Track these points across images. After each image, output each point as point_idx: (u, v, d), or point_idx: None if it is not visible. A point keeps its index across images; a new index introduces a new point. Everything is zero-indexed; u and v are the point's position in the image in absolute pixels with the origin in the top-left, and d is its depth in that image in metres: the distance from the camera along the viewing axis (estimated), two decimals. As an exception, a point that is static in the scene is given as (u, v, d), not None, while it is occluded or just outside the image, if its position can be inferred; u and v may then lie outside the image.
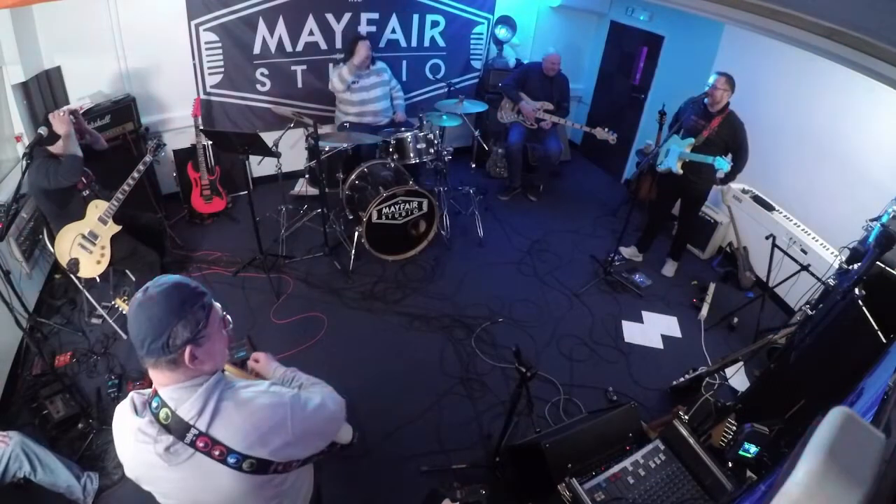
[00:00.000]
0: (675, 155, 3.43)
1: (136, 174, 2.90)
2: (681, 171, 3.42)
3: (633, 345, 3.27)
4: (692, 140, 3.35)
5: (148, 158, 2.96)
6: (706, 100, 3.25)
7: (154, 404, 1.02)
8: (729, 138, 3.26)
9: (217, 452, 1.00)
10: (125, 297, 1.77)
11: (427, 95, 5.11)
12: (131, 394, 1.07)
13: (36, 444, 2.02)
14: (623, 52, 5.27)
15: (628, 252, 4.10)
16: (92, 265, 2.78)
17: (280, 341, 3.00)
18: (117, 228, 2.84)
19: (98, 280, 3.00)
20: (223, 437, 1.01)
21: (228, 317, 1.12)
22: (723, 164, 3.13)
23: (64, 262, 2.70)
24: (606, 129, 4.14)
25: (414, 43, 4.80)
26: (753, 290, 3.81)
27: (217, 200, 4.06)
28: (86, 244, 2.75)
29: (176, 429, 0.99)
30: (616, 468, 1.93)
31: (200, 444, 1.00)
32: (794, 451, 0.87)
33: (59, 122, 2.53)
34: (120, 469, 2.22)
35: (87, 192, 2.78)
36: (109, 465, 2.25)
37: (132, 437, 1.02)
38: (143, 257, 2.96)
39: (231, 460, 1.01)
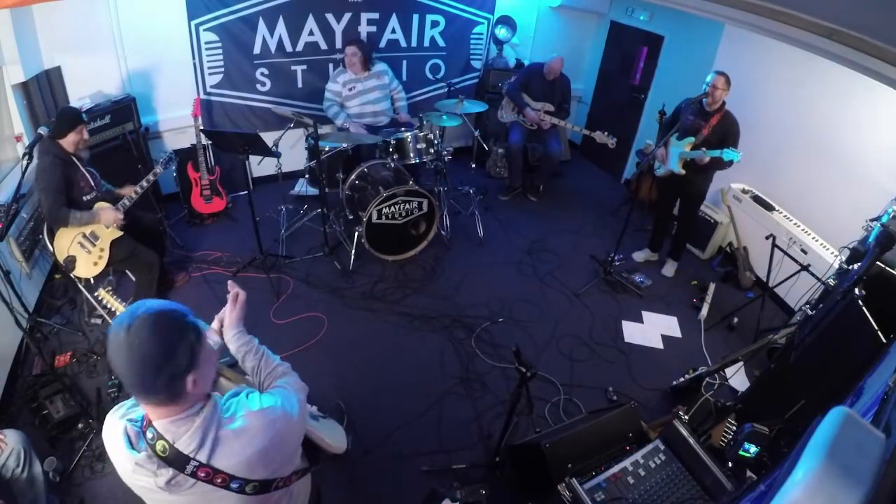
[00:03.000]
0: (675, 156, 3.43)
1: (144, 183, 2.92)
2: (683, 172, 3.42)
3: (633, 345, 3.27)
4: (692, 139, 3.35)
5: (159, 170, 2.98)
6: (705, 99, 3.25)
7: (149, 436, 0.99)
8: (723, 134, 3.25)
9: (219, 480, 1.00)
10: (109, 289, 1.76)
11: (427, 95, 5.11)
12: (122, 424, 1.03)
13: (33, 450, 2.01)
14: (623, 52, 5.27)
15: (642, 255, 4.10)
16: (89, 265, 2.78)
17: (280, 341, 3.00)
18: (119, 234, 2.85)
19: (92, 281, 2.98)
20: (225, 467, 1.00)
21: (212, 335, 1.11)
22: (733, 155, 3.10)
23: (61, 258, 2.70)
24: (606, 133, 4.13)
25: (414, 43, 4.80)
26: (753, 290, 3.81)
27: (217, 200, 4.06)
28: (85, 244, 2.75)
29: (175, 461, 0.98)
30: (616, 468, 1.93)
31: (202, 475, 0.99)
32: (794, 451, 0.87)
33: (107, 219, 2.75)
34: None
35: (93, 195, 2.79)
36: (109, 466, 2.25)
37: (130, 470, 1.01)
38: (143, 258, 2.96)
39: (234, 486, 1.01)
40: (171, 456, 0.97)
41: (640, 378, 3.01)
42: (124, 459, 1.01)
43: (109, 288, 1.78)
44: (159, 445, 0.97)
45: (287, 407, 1.11)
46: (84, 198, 2.74)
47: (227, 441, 1.01)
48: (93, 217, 2.72)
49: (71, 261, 2.69)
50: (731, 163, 3.15)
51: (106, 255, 2.81)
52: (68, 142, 2.63)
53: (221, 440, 1.00)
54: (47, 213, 2.65)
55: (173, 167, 3.10)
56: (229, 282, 1.39)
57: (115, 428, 1.03)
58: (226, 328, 1.34)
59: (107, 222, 2.76)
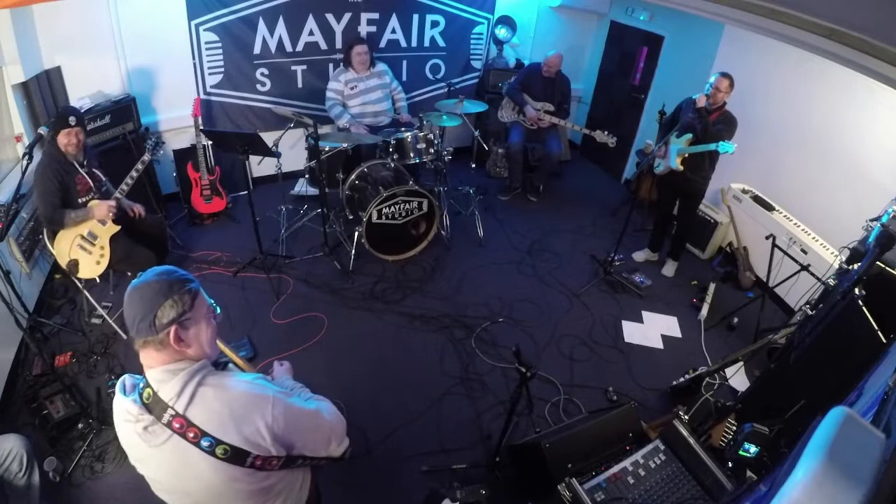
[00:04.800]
0: (673, 153, 3.44)
1: (134, 173, 2.90)
2: (681, 168, 3.43)
3: (633, 345, 3.27)
4: (690, 136, 3.36)
5: (147, 157, 2.96)
6: (707, 101, 3.26)
7: (140, 385, 1.06)
8: (722, 131, 3.26)
9: (191, 434, 1.02)
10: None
11: (427, 95, 5.11)
12: (125, 375, 1.11)
13: (35, 457, 2.01)
14: (623, 52, 5.27)
15: (642, 255, 4.10)
16: (91, 266, 2.78)
17: (280, 341, 3.01)
18: (116, 229, 2.84)
19: (98, 280, 3.00)
20: (198, 420, 1.03)
21: (217, 308, 1.15)
22: (727, 147, 3.13)
23: (64, 262, 2.70)
24: (606, 133, 4.13)
25: (414, 43, 4.80)
26: (753, 290, 3.81)
27: (217, 200, 4.07)
28: (85, 245, 2.75)
29: (155, 408, 1.03)
30: (616, 468, 1.93)
31: (176, 426, 1.02)
32: (794, 451, 0.87)
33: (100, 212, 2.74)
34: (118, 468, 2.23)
35: (89, 197, 2.78)
36: (108, 465, 2.25)
37: (121, 417, 1.07)
38: (139, 258, 2.93)
39: (204, 443, 1.02)
40: (153, 403, 1.03)
41: (640, 378, 3.01)
42: (118, 406, 1.09)
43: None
44: (145, 393, 1.04)
45: (293, 398, 1.17)
46: (80, 200, 2.74)
47: (206, 395, 1.05)
48: (87, 213, 2.73)
49: (74, 264, 2.68)
50: (727, 153, 3.17)
51: (107, 252, 2.81)
52: (60, 142, 2.61)
53: (200, 393, 1.04)
54: (43, 217, 2.65)
55: (161, 152, 3.11)
56: (275, 361, 1.56)
57: (120, 381, 1.11)
58: (275, 378, 1.48)
59: (100, 215, 2.75)
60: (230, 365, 1.39)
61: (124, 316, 1.04)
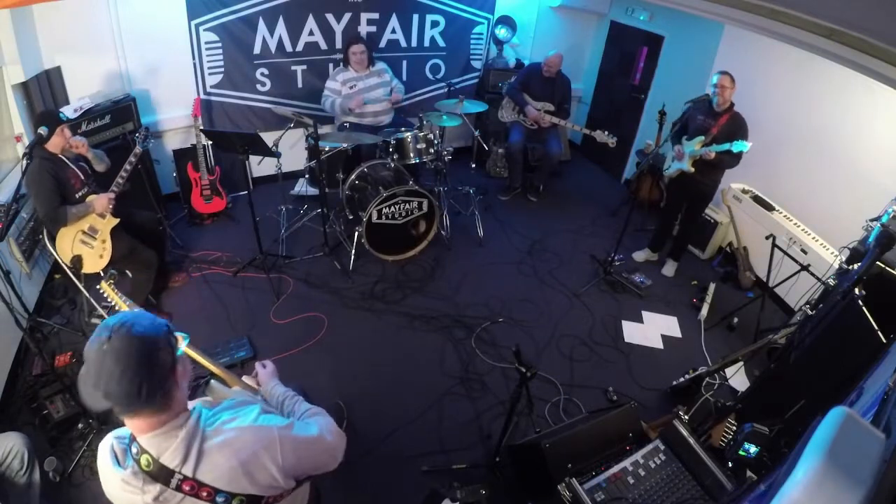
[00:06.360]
0: (686, 155, 3.43)
1: (128, 166, 2.91)
2: (692, 170, 3.42)
3: (633, 345, 3.27)
4: (702, 138, 3.36)
5: (138, 149, 2.98)
6: (715, 99, 3.26)
7: (133, 450, 0.99)
8: (731, 132, 3.26)
9: (205, 493, 1.00)
10: (111, 282, 1.77)
11: (427, 95, 5.11)
12: (110, 440, 1.03)
13: (35, 456, 2.01)
14: (623, 52, 5.27)
15: (642, 255, 4.10)
16: (94, 260, 2.78)
17: (280, 341, 3.00)
18: (115, 221, 2.84)
19: (102, 274, 2.98)
20: (210, 479, 1.00)
21: (185, 337, 1.07)
22: (742, 145, 3.12)
23: (67, 260, 2.70)
24: (606, 133, 4.13)
25: (414, 43, 4.80)
26: (753, 290, 3.81)
27: (217, 200, 4.07)
28: (87, 240, 2.75)
29: (159, 476, 0.98)
30: (616, 468, 1.93)
31: (187, 488, 0.99)
32: (794, 451, 0.87)
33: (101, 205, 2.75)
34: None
35: (84, 190, 2.79)
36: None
37: (119, 488, 1.00)
38: (142, 256, 2.96)
39: (220, 499, 1.01)
40: (156, 470, 0.97)
41: (640, 378, 3.01)
42: (111, 477, 1.01)
43: (112, 281, 1.78)
44: (143, 459, 0.98)
45: (296, 428, 1.13)
46: (76, 195, 2.74)
47: (212, 454, 1.01)
48: (87, 208, 2.73)
49: (78, 260, 2.69)
50: (740, 156, 3.17)
51: (109, 245, 2.82)
52: (53, 144, 2.61)
53: (206, 453, 1.00)
54: (44, 217, 2.65)
55: (151, 143, 3.14)
56: (256, 363, 1.55)
57: (104, 446, 1.04)
58: (263, 384, 1.47)
59: (101, 208, 2.76)
60: (212, 382, 1.37)
61: (96, 383, 0.89)
